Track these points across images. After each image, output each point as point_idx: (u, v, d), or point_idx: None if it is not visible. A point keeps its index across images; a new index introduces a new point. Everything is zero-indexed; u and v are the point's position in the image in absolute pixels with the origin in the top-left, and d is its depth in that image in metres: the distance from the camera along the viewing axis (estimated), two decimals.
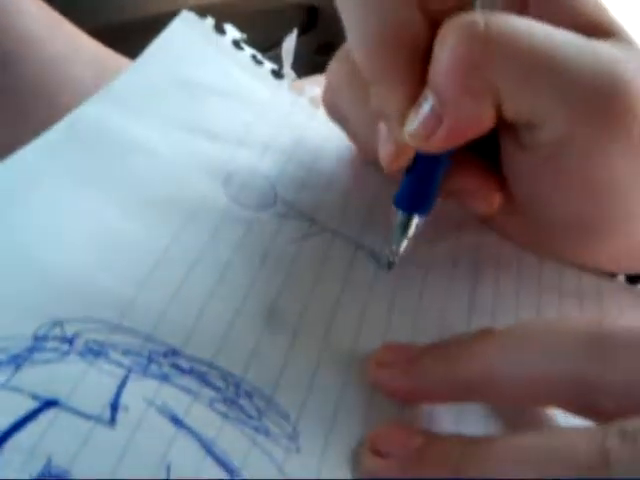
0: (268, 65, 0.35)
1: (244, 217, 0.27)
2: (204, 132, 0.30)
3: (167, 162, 0.28)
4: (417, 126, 0.25)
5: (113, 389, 0.20)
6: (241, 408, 0.21)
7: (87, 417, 0.19)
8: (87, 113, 0.28)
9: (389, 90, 0.26)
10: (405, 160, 0.27)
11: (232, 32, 0.34)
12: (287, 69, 0.35)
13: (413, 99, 0.25)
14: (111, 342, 0.21)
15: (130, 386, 0.20)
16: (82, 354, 0.21)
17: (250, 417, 0.21)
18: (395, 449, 0.22)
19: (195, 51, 0.33)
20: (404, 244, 0.28)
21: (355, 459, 0.22)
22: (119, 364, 0.21)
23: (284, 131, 0.32)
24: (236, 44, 0.34)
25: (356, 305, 0.27)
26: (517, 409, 0.26)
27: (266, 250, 0.27)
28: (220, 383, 0.22)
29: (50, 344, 0.21)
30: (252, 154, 0.30)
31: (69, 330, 0.21)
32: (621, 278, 0.34)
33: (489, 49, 0.24)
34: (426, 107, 0.25)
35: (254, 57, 0.35)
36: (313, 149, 0.32)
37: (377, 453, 0.22)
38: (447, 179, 0.28)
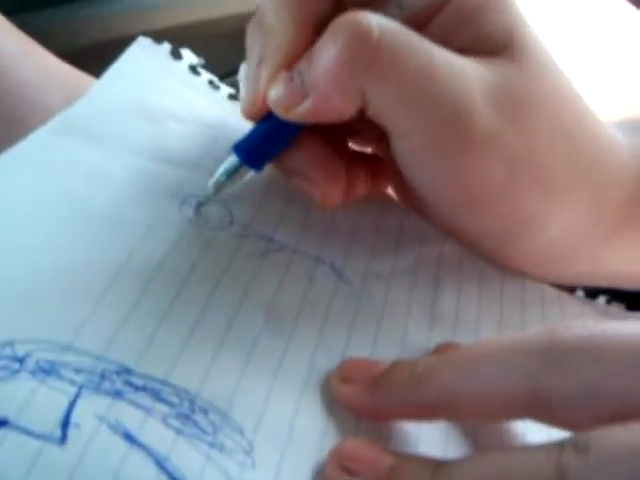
0: (225, 89, 0.35)
1: (201, 237, 0.27)
2: (160, 156, 0.30)
3: (122, 186, 0.28)
4: (282, 92, 0.26)
5: (64, 407, 0.20)
6: (195, 423, 0.21)
7: (37, 436, 0.19)
8: (41, 139, 0.28)
9: (276, 35, 0.27)
10: (263, 111, 0.28)
11: (189, 57, 0.35)
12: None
13: (293, 54, 0.26)
14: (63, 361, 0.21)
15: (82, 403, 0.20)
16: (33, 372, 0.20)
17: (205, 432, 0.21)
18: (365, 469, 0.22)
19: (151, 77, 0.33)
20: (223, 190, 0.28)
21: (322, 473, 0.22)
22: (71, 381, 0.21)
23: None
24: (193, 69, 0.35)
25: (316, 320, 0.27)
26: (476, 425, 0.26)
27: (224, 267, 0.27)
28: (174, 399, 0.21)
29: (0, 363, 0.20)
30: (208, 177, 0.30)
31: (20, 350, 0.21)
32: (580, 293, 0.35)
33: (372, 62, 0.25)
34: (297, 79, 0.26)
35: (211, 82, 0.35)
36: (270, 170, 0.32)
37: (345, 470, 0.22)
38: (290, 152, 0.28)
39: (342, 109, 0.26)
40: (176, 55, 0.35)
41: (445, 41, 0.26)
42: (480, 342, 0.25)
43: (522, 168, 0.28)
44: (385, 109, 0.26)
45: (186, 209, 0.28)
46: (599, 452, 0.18)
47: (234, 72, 0.41)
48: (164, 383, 0.22)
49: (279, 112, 0.27)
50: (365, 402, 0.24)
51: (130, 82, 0.32)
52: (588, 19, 0.53)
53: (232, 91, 0.35)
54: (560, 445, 0.19)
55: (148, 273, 0.25)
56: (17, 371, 0.20)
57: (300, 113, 0.26)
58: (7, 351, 0.21)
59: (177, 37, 0.54)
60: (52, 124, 0.29)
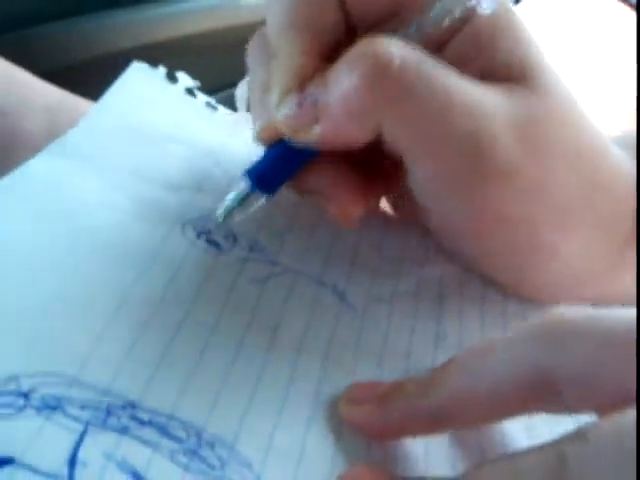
0: (223, 110, 0.35)
1: (204, 262, 0.27)
2: (161, 181, 0.30)
3: (123, 213, 0.28)
4: (292, 115, 0.25)
5: (71, 444, 0.20)
6: (202, 459, 0.21)
7: (44, 475, 0.19)
8: (37, 167, 0.28)
9: (284, 60, 0.26)
10: (275, 136, 0.27)
11: (185, 80, 0.35)
12: (242, 112, 0.35)
13: (303, 80, 0.26)
14: (68, 396, 0.21)
15: (88, 440, 0.20)
16: (38, 409, 0.20)
17: (212, 468, 0.21)
18: None
19: (149, 100, 0.33)
20: (232, 217, 0.27)
21: None
22: (77, 418, 0.20)
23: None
24: (189, 92, 0.35)
25: (321, 346, 0.27)
26: (482, 440, 0.26)
27: (227, 295, 0.27)
28: (181, 434, 0.21)
29: (5, 399, 0.20)
30: (209, 200, 0.30)
31: (25, 385, 0.21)
32: None
33: (391, 94, 0.25)
34: (309, 100, 0.25)
35: (208, 103, 0.35)
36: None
37: None
38: (304, 174, 0.28)
39: (356, 138, 0.26)
40: (172, 78, 0.34)
41: (461, 65, 0.26)
42: (481, 340, 0.25)
43: (539, 199, 0.27)
44: (402, 140, 0.26)
45: (188, 233, 0.28)
46: (597, 437, 0.18)
47: (229, 85, 0.41)
48: (170, 417, 0.22)
49: (288, 134, 0.26)
50: (375, 420, 0.24)
51: (127, 106, 0.32)
52: (588, 32, 0.53)
53: (230, 112, 0.35)
54: (560, 438, 0.19)
55: (152, 303, 0.25)
56: (22, 407, 0.20)
57: (311, 138, 0.26)
58: (12, 386, 0.21)
59: (168, 51, 0.54)
60: (49, 151, 0.29)
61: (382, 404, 0.24)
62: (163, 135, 0.32)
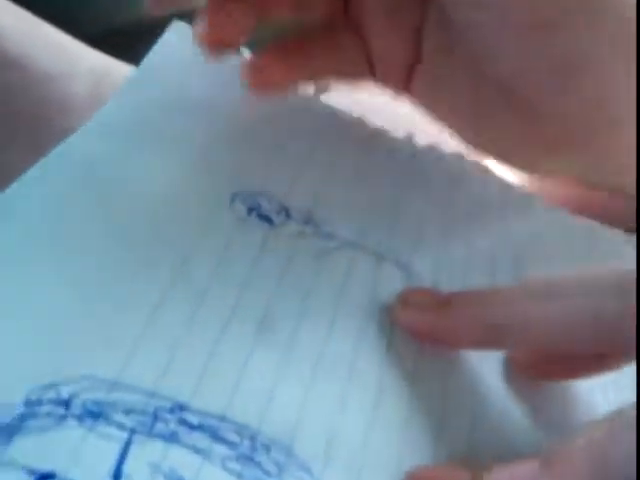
0: None
1: (254, 240, 0.25)
2: (205, 153, 0.28)
3: (166, 188, 0.26)
4: None
5: (115, 456, 0.18)
6: (258, 465, 0.19)
7: None
8: (76, 146, 0.26)
9: None
10: None
11: None
12: None
13: None
14: (111, 401, 0.19)
15: (134, 451, 0.18)
16: (80, 418, 0.19)
17: (268, 474, 0.19)
18: None
19: (190, 64, 0.30)
20: None
21: None
22: (121, 426, 0.19)
23: (292, 141, 0.29)
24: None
25: (384, 328, 0.24)
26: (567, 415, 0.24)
27: (281, 274, 0.24)
28: (234, 437, 0.19)
29: (44, 409, 0.19)
30: (258, 170, 0.28)
31: (65, 392, 0.19)
32: None
33: None
34: None
35: None
36: (327, 157, 0.30)
37: None
38: None
39: None
40: None
41: None
42: (552, 276, 0.24)
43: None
44: None
45: (238, 209, 0.26)
46: None
47: None
48: (222, 419, 0.20)
49: None
50: (430, 323, 0.24)
51: (168, 73, 0.30)
52: None
53: None
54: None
55: (199, 292, 0.23)
56: (63, 417, 0.19)
57: None
58: (51, 394, 0.19)
59: None
60: (88, 126, 0.27)
61: (440, 309, 0.24)
62: (207, 103, 0.29)
